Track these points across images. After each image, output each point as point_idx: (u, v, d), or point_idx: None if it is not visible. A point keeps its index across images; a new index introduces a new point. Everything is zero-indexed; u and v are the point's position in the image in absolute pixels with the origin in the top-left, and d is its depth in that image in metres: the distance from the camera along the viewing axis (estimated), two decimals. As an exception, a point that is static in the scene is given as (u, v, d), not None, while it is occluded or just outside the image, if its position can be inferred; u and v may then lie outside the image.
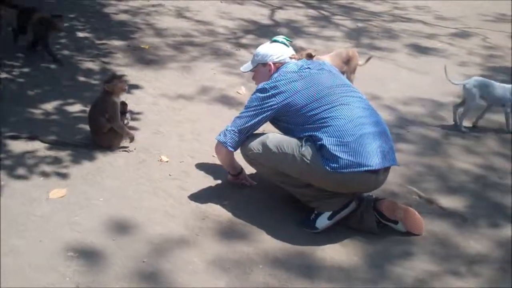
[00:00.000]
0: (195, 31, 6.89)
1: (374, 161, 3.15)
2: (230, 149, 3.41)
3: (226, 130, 3.41)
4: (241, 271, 2.97)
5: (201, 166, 3.91)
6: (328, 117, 3.21)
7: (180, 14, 7.56)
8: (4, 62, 5.21)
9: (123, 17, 7.18)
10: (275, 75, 3.43)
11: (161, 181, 3.69)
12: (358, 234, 3.32)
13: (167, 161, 3.92)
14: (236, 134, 3.38)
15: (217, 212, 3.43)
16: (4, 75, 5.01)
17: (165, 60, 5.81)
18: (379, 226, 3.35)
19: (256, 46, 6.39)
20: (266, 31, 7.19)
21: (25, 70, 5.20)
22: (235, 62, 5.93)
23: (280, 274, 2.97)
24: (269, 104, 3.32)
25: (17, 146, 3.91)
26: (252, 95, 3.45)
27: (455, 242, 3.34)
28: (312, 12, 8.53)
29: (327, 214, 3.31)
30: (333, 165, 3.12)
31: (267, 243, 3.20)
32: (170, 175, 3.76)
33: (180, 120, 4.55)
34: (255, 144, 3.38)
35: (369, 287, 2.95)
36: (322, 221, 3.31)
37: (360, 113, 3.28)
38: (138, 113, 4.56)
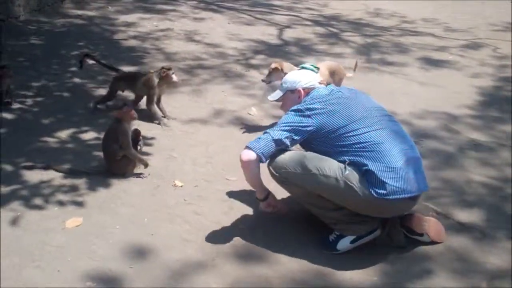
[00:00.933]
0: (205, 54, 6.94)
1: (415, 187, 3.15)
2: (263, 158, 3.21)
3: (259, 138, 3.24)
4: (260, 294, 2.95)
5: (216, 190, 3.90)
6: (371, 141, 3.15)
7: (189, 37, 7.61)
8: (17, 92, 5.25)
9: (132, 43, 7.25)
10: (307, 98, 3.38)
11: (176, 206, 3.69)
12: (378, 254, 3.29)
13: (181, 186, 3.92)
14: (270, 143, 3.21)
15: (234, 235, 3.41)
16: (18, 105, 5.05)
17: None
18: (406, 240, 3.35)
19: (266, 66, 6.47)
20: (275, 51, 7.22)
21: (39, 99, 5.25)
22: (246, 83, 5.96)
23: (299, 297, 2.95)
24: (305, 125, 3.22)
25: (33, 176, 3.93)
26: (285, 115, 3.34)
27: (475, 257, 3.30)
28: (320, 29, 8.56)
29: (351, 237, 3.27)
30: (381, 191, 3.06)
31: (285, 265, 3.18)
32: (185, 200, 3.76)
33: (193, 144, 4.56)
34: (290, 163, 3.24)
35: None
36: (344, 244, 3.28)
37: (400, 138, 3.26)
38: (150, 139, 4.57)
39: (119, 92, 5.15)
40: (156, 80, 4.86)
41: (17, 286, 2.89)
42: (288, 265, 3.18)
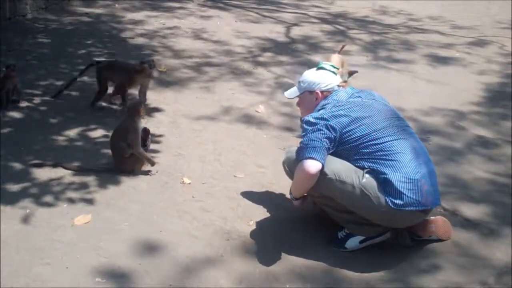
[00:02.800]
0: (212, 51, 6.96)
1: (429, 200, 3.14)
2: (323, 166, 3.10)
3: (314, 147, 3.08)
4: (268, 290, 2.97)
5: (224, 187, 3.92)
6: (393, 150, 3.12)
7: (196, 35, 7.64)
8: (25, 91, 5.28)
9: (140, 40, 7.28)
10: (328, 103, 3.31)
11: (184, 203, 3.71)
12: (386, 249, 3.30)
13: (189, 183, 3.94)
14: (326, 152, 3.11)
15: (242, 232, 3.43)
16: (25, 104, 5.08)
17: (184, 82, 5.86)
18: (414, 241, 3.35)
19: (274, 63, 6.52)
20: (283, 48, 7.24)
21: (47, 98, 5.27)
22: (253, 81, 5.98)
23: (307, 293, 2.96)
24: (334, 134, 3.15)
25: (43, 173, 3.96)
26: (307, 126, 3.22)
27: (482, 253, 3.31)
28: (327, 27, 8.56)
29: (360, 237, 3.28)
30: (397, 201, 3.03)
31: (293, 261, 3.19)
32: (193, 197, 3.78)
33: (200, 142, 4.57)
34: None
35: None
36: (353, 243, 3.28)
37: (419, 150, 3.24)
38: (159, 136, 4.59)
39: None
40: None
41: (27, 282, 2.92)
42: (296, 261, 3.19)
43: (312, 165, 3.07)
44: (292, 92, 3.58)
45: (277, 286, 3.00)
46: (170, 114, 5.06)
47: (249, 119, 5.05)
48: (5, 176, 3.90)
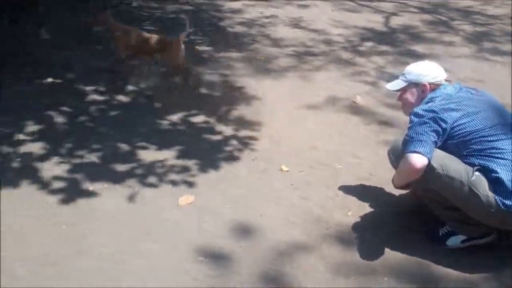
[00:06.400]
0: (310, 40, 6.97)
1: None
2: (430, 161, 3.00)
3: (420, 141, 2.97)
4: (365, 281, 2.98)
5: (321, 176, 3.94)
6: (506, 149, 2.98)
7: (294, 24, 7.67)
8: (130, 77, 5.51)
9: (239, 29, 7.39)
10: (436, 97, 3.19)
11: (282, 190, 3.76)
12: (490, 249, 3.19)
13: (287, 171, 3.99)
14: (432, 146, 2.99)
15: (340, 222, 3.45)
16: (132, 87, 5.30)
17: (283, 70, 5.91)
18: None
19: (375, 53, 6.46)
20: (383, 38, 7.15)
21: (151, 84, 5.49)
22: (353, 71, 5.95)
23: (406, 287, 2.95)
24: (444, 127, 3.03)
25: (148, 155, 4.14)
26: (414, 117, 3.10)
27: None
28: (428, 17, 8.37)
29: (462, 237, 3.18)
30: (508, 202, 2.89)
31: (392, 254, 3.17)
32: (291, 184, 3.83)
33: (298, 130, 4.61)
34: None
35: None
36: (455, 242, 3.19)
37: None
38: (257, 124, 4.68)
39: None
40: None
41: (130, 258, 3.08)
42: (395, 255, 3.17)
43: (418, 160, 2.96)
44: (395, 84, 3.45)
45: (374, 278, 3.00)
46: (268, 102, 5.13)
47: (347, 110, 5.03)
48: (113, 156, 4.11)
